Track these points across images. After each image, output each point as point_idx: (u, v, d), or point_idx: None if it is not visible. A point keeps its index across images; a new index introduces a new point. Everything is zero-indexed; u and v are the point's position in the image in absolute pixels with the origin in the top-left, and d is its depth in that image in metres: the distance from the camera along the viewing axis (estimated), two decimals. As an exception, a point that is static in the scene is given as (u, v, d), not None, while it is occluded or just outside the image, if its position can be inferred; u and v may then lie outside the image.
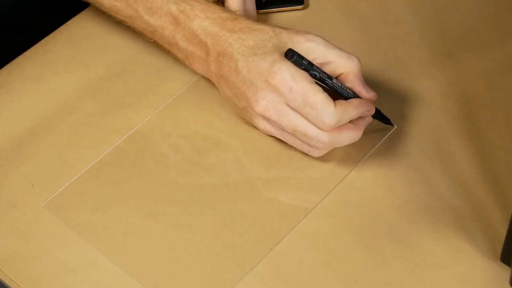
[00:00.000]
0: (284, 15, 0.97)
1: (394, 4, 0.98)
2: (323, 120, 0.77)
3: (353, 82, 0.81)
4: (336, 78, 0.81)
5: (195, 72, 0.88)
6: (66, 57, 0.92)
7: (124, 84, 0.90)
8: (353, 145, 0.82)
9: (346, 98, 0.81)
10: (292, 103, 0.78)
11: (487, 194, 0.81)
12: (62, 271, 0.77)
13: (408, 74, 0.91)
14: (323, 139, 0.79)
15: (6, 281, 0.76)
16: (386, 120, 0.85)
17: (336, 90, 0.80)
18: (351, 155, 0.84)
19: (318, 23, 0.96)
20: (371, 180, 0.82)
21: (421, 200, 0.81)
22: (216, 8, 0.83)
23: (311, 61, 0.79)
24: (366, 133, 0.83)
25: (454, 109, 0.88)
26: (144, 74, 0.91)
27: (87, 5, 0.94)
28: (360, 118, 0.81)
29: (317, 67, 0.79)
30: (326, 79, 0.79)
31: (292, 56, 0.78)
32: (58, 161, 0.84)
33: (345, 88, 0.80)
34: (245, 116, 0.83)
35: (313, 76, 0.79)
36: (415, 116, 0.87)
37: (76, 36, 0.95)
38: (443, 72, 0.91)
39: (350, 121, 0.80)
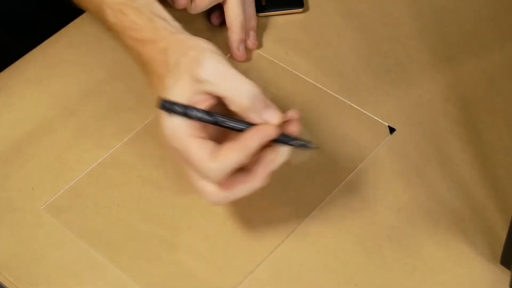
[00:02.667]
0: (284, 18, 0.97)
1: (394, 7, 0.98)
2: (207, 176, 0.69)
3: (248, 118, 0.70)
4: (231, 112, 0.71)
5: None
6: (66, 60, 0.92)
7: (124, 87, 0.90)
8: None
9: (241, 130, 0.70)
10: (181, 160, 0.72)
11: (487, 197, 0.81)
12: (62, 274, 0.77)
13: (408, 76, 0.91)
14: (217, 198, 0.71)
15: (6, 284, 0.76)
16: (304, 145, 0.71)
17: (233, 129, 0.71)
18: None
19: (318, 26, 0.96)
20: (371, 183, 0.82)
21: (421, 202, 0.81)
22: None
23: (206, 96, 0.70)
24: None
25: (454, 112, 0.88)
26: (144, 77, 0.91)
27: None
28: (259, 162, 0.70)
29: (199, 110, 0.70)
30: (215, 118, 0.70)
31: (164, 106, 0.70)
32: (58, 164, 0.84)
33: (234, 120, 0.70)
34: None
35: (194, 117, 0.70)
36: (415, 118, 0.87)
37: (76, 39, 0.95)
38: (443, 75, 0.91)
39: (252, 163, 0.70)
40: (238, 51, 0.92)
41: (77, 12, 0.96)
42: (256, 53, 0.93)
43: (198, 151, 0.69)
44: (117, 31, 0.78)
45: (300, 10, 0.98)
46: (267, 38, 0.95)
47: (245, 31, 0.93)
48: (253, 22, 0.94)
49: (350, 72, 0.92)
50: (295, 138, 0.71)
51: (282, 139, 0.70)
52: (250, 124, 0.70)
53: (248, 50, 0.93)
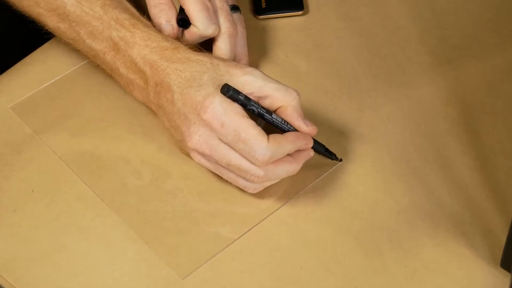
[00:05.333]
0: (284, 21, 0.97)
1: (394, 10, 0.98)
2: (256, 156, 0.76)
3: (291, 116, 0.79)
4: (275, 111, 0.79)
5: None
6: (66, 63, 0.92)
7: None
8: (293, 178, 0.80)
9: (286, 132, 0.79)
10: (224, 138, 0.76)
11: (487, 200, 0.81)
12: (62, 276, 0.77)
13: (408, 79, 0.91)
14: (257, 173, 0.77)
15: (6, 286, 0.76)
16: (330, 154, 0.83)
17: (275, 125, 0.79)
18: (288, 190, 0.82)
19: (318, 29, 0.96)
20: (370, 186, 0.82)
21: (421, 205, 0.81)
22: (157, 37, 0.81)
23: (248, 96, 0.77)
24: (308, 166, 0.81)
25: (454, 115, 0.88)
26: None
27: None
28: (299, 151, 0.79)
29: (255, 102, 0.78)
30: (265, 114, 0.78)
31: (228, 90, 0.76)
32: (58, 166, 0.84)
33: (284, 123, 0.79)
34: (182, 148, 0.82)
35: (251, 111, 0.77)
36: (415, 121, 0.87)
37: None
38: (443, 78, 0.91)
39: (289, 154, 0.78)
40: None
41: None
42: (256, 55, 0.93)
43: (256, 131, 0.76)
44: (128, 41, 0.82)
45: (300, 12, 0.98)
46: (267, 41, 0.95)
47: None
48: (244, 61, 0.89)
49: (350, 75, 0.92)
50: (326, 148, 0.83)
51: (316, 146, 0.82)
52: (294, 125, 0.79)
53: None
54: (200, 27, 0.83)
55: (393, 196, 0.81)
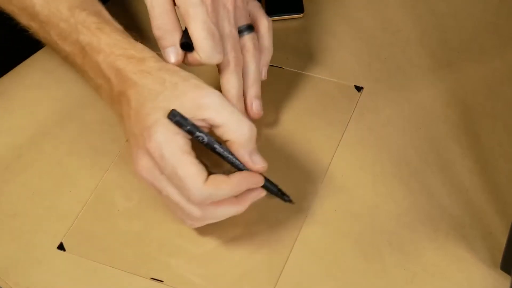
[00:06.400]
0: (285, 23, 0.97)
1: (393, 12, 0.98)
2: (189, 195, 0.72)
3: (238, 152, 0.74)
4: (225, 143, 0.75)
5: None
6: (67, 65, 0.92)
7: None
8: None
9: (236, 167, 0.75)
10: (163, 171, 0.72)
11: (487, 203, 0.81)
12: (63, 280, 0.77)
13: (408, 82, 0.91)
14: (193, 213, 0.73)
15: (6, 289, 0.77)
16: (282, 195, 0.79)
17: (224, 158, 0.75)
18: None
19: (318, 32, 0.96)
20: (370, 189, 0.82)
21: (421, 208, 0.81)
22: (124, 43, 0.78)
23: (198, 123, 0.73)
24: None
25: (454, 117, 0.88)
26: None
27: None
28: (248, 190, 0.75)
29: (203, 131, 0.73)
30: (214, 145, 0.74)
31: (174, 116, 0.72)
32: (58, 170, 0.84)
33: (230, 153, 0.75)
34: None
35: (200, 139, 0.73)
36: (415, 124, 0.87)
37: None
38: (443, 80, 0.91)
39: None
40: None
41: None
42: (256, 58, 0.93)
43: (192, 169, 0.72)
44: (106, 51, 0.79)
45: (301, 15, 0.98)
46: (267, 44, 0.95)
47: (246, 100, 0.83)
48: (255, 88, 0.83)
49: (350, 77, 0.92)
50: (276, 187, 0.78)
51: (268, 185, 0.77)
52: (240, 162, 0.75)
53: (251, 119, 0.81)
54: (203, 56, 0.78)
55: (393, 199, 0.81)
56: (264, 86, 0.85)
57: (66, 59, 0.83)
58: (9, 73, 0.93)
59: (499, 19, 0.97)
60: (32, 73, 0.92)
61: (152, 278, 0.76)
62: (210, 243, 0.79)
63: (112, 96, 0.78)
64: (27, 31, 0.86)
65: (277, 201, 0.80)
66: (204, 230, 0.79)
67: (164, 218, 0.80)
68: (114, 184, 0.83)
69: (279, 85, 0.90)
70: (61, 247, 0.79)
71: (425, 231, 0.79)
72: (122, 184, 0.83)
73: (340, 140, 0.86)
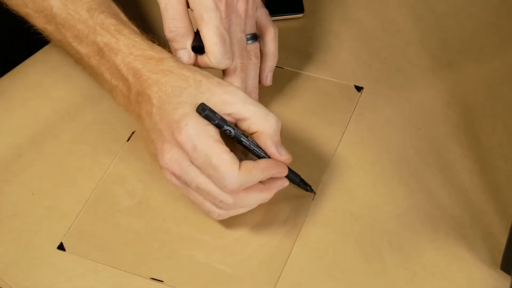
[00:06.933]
0: (285, 23, 0.97)
1: (394, 13, 0.98)
2: (225, 183, 0.73)
3: (265, 143, 0.76)
4: (251, 135, 0.77)
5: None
6: (67, 65, 0.92)
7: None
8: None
9: (260, 157, 0.77)
10: (195, 161, 0.74)
11: (487, 203, 0.81)
12: (62, 280, 0.77)
13: (408, 82, 0.91)
14: (226, 200, 0.75)
15: (6, 289, 0.77)
16: (305, 186, 0.81)
17: (250, 150, 0.77)
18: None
19: (318, 32, 0.96)
20: (370, 189, 0.82)
21: (421, 208, 0.81)
22: (142, 45, 0.79)
23: (225, 117, 0.75)
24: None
25: (454, 118, 0.88)
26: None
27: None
28: (272, 179, 0.77)
29: (231, 124, 0.75)
30: (241, 137, 0.76)
31: (204, 110, 0.73)
32: (58, 170, 0.84)
33: (260, 149, 0.77)
34: (156, 162, 0.79)
35: (227, 132, 0.75)
36: (415, 124, 0.87)
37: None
38: (443, 81, 0.91)
39: (262, 182, 0.77)
40: None
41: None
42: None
43: (227, 158, 0.73)
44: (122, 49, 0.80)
45: (301, 15, 0.98)
46: (267, 44, 0.95)
47: None
48: (253, 95, 0.85)
49: (350, 77, 0.92)
50: (299, 177, 0.81)
51: (291, 176, 0.80)
52: (267, 153, 0.77)
53: None
54: (213, 61, 0.80)
55: (393, 199, 0.81)
56: (265, 86, 0.87)
57: (80, 61, 0.84)
58: (9, 73, 0.93)
59: (499, 19, 0.97)
60: (32, 73, 0.93)
61: (152, 278, 0.77)
62: (210, 245, 0.79)
63: (129, 96, 0.79)
64: (27, 31, 0.86)
65: (277, 201, 0.80)
66: (204, 231, 0.79)
67: (164, 218, 0.80)
68: (114, 184, 0.83)
69: (279, 85, 0.91)
70: (61, 247, 0.79)
71: (425, 231, 0.79)
72: (122, 184, 0.83)
73: (340, 140, 0.86)
